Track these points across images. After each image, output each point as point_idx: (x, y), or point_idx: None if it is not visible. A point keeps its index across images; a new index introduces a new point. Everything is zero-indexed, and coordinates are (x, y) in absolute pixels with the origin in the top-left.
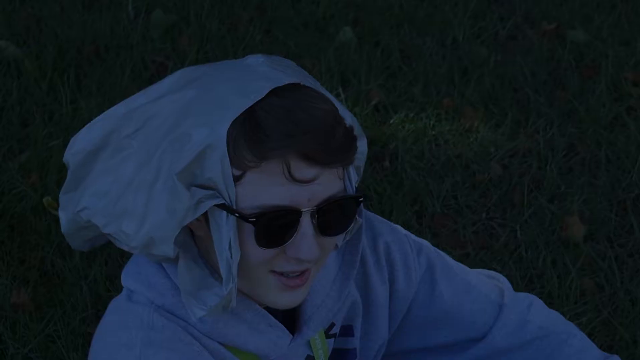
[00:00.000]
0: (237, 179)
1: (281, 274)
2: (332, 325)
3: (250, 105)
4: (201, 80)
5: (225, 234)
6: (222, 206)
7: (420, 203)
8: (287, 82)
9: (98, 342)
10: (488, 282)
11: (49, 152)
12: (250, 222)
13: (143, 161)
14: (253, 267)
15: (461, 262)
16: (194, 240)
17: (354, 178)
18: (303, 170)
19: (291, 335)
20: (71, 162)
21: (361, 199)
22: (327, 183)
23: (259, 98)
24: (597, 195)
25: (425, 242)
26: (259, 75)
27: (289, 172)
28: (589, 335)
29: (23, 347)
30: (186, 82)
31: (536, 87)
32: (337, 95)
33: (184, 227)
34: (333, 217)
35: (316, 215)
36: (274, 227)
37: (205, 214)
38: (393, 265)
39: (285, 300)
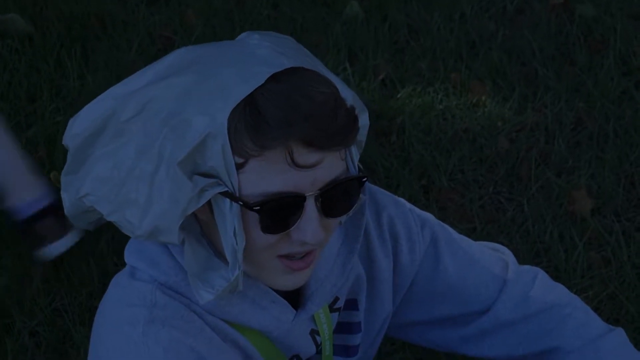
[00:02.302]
0: (239, 167)
1: (286, 257)
2: (336, 299)
3: (250, 92)
4: (200, 63)
5: (229, 221)
6: (225, 194)
7: (427, 177)
8: (287, 67)
9: (101, 319)
10: (492, 255)
11: (56, 127)
12: (254, 210)
13: (143, 148)
14: (259, 252)
15: (468, 236)
16: (197, 220)
17: (356, 156)
18: (305, 156)
19: (295, 311)
20: (71, 145)
21: (364, 179)
22: (330, 166)
23: (259, 84)
24: (604, 169)
25: (430, 216)
26: (258, 59)
27: (292, 159)
28: (595, 309)
29: (30, 321)
30: (185, 64)
31: (544, 61)
32: (344, 70)
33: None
34: (337, 199)
35: (320, 199)
36: (278, 213)
37: (208, 200)
38: (397, 239)
39: (289, 282)
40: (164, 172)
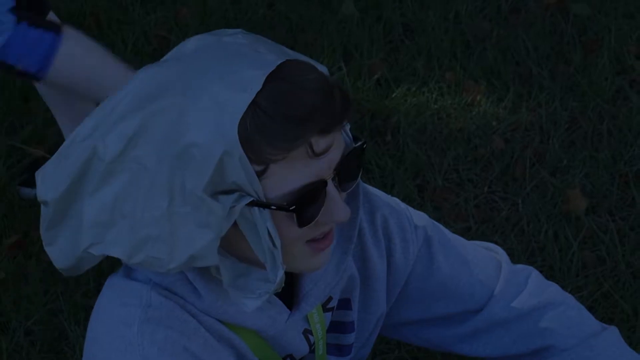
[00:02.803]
0: (260, 174)
1: (312, 240)
2: (330, 299)
3: (252, 99)
4: (177, 83)
5: (262, 227)
6: (252, 203)
7: (422, 177)
8: (276, 65)
9: (96, 319)
10: (486, 254)
11: (50, 126)
12: (290, 210)
13: (144, 182)
14: (291, 246)
15: (463, 235)
16: None
17: (347, 125)
18: (321, 143)
19: (289, 311)
20: (49, 199)
21: (364, 144)
22: (339, 144)
23: (258, 90)
24: (599, 168)
25: (423, 216)
26: (241, 64)
27: (313, 151)
28: (590, 308)
29: (25, 320)
30: (159, 88)
31: (539, 60)
32: (339, 69)
33: None
34: (348, 172)
35: (337, 178)
36: (309, 204)
37: None
38: (390, 238)
39: (318, 263)
40: (180, 201)
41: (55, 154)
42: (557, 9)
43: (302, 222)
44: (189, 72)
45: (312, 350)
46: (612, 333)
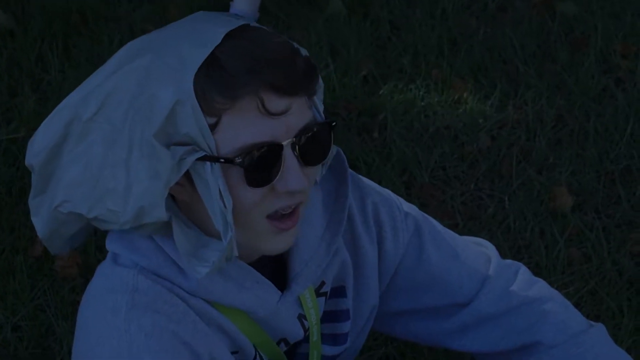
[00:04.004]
0: (213, 127)
1: (275, 217)
2: (323, 284)
3: (209, 53)
4: (151, 45)
5: (213, 184)
6: (204, 158)
7: (408, 173)
8: (239, 25)
9: (85, 309)
10: (475, 248)
11: (37, 122)
12: (237, 163)
13: (111, 138)
14: (247, 213)
15: None
16: (178, 204)
17: (320, 106)
18: (275, 102)
19: (280, 293)
20: (35, 163)
21: (334, 123)
22: (299, 113)
23: (217, 44)
24: (585, 166)
25: (413, 207)
26: (209, 25)
27: (263, 106)
28: (576, 305)
29: (13, 316)
30: (136, 52)
31: (525, 58)
32: (326, 66)
33: (167, 195)
34: (312, 146)
35: (297, 147)
36: (260, 164)
37: (187, 175)
38: (381, 225)
39: (280, 244)
40: (137, 152)
41: (46, 119)
42: (544, 7)
43: (252, 182)
44: (164, 36)
45: (307, 337)
46: (599, 330)
